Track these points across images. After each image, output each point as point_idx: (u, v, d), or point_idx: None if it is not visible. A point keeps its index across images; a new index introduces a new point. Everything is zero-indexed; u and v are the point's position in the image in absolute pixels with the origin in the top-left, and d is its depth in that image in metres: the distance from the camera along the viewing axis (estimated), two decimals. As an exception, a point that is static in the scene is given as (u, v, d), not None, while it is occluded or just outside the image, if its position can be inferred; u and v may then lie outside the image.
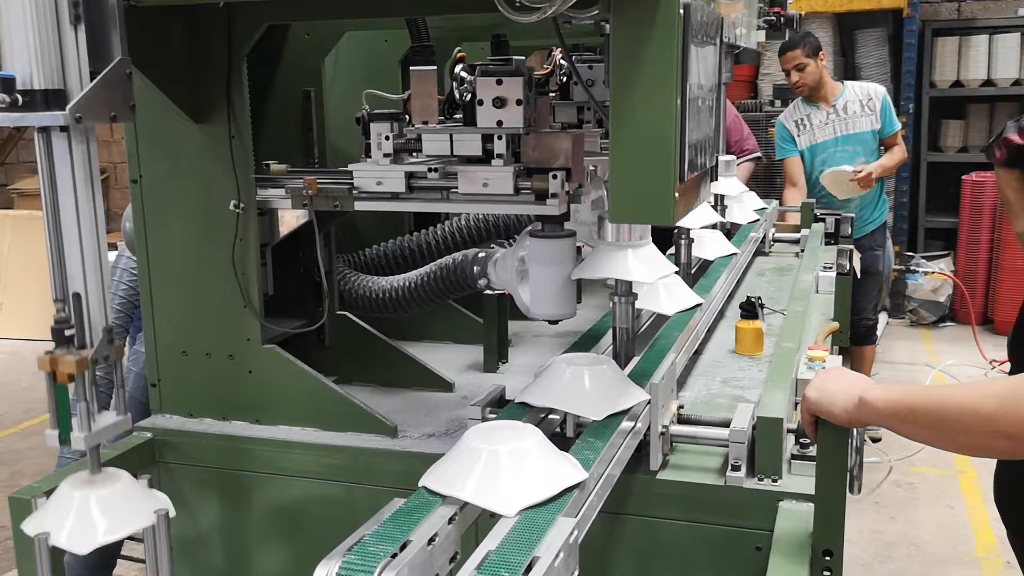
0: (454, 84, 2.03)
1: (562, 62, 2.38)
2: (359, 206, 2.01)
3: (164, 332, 2.23)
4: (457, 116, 2.05)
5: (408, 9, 2.07)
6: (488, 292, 2.62)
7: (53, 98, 1.40)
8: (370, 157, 2.03)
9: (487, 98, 1.86)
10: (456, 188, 1.93)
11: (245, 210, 2.09)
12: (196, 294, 2.19)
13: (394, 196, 1.99)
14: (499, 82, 1.85)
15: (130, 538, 3.22)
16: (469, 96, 1.91)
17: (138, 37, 1.89)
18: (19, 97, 1.37)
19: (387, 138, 2.01)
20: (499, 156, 1.90)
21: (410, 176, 1.97)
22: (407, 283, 2.46)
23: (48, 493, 1.88)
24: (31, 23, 1.38)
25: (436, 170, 1.95)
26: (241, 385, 2.18)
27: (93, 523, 1.49)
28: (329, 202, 2.03)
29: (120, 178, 11.13)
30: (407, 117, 2.09)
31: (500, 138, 1.89)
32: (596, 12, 1.57)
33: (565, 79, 2.35)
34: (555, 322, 2.09)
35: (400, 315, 2.54)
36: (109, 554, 2.98)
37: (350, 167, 2.04)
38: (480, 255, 2.31)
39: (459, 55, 2.04)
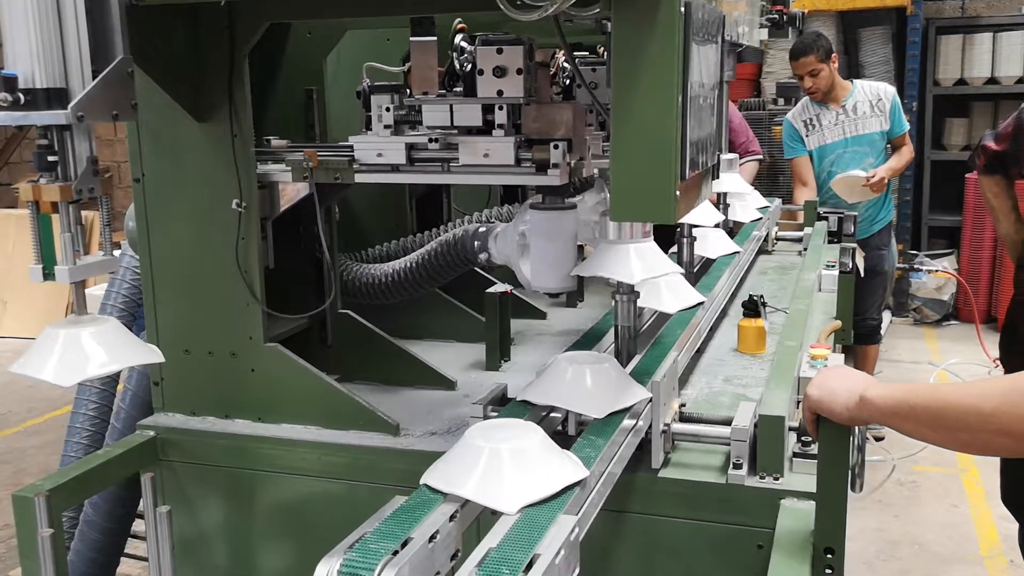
0: (454, 55, 2.02)
1: (564, 64, 2.38)
2: (359, 178, 2.01)
3: (167, 330, 2.23)
4: (457, 89, 2.05)
5: (409, 7, 2.07)
6: (490, 291, 2.62)
7: (55, 97, 1.40)
8: (370, 130, 2.03)
9: (487, 67, 1.86)
10: (457, 159, 1.93)
11: (247, 209, 2.09)
12: (198, 293, 2.19)
13: (394, 168, 1.99)
14: (499, 51, 1.85)
15: (132, 536, 3.23)
16: (469, 66, 1.91)
17: (140, 36, 1.91)
18: (21, 96, 1.37)
19: (387, 110, 2.01)
20: (500, 126, 1.89)
21: (411, 147, 1.97)
22: (408, 264, 2.46)
23: (52, 492, 1.90)
24: (33, 22, 1.38)
25: (436, 140, 1.94)
26: (244, 383, 2.19)
27: (83, 357, 1.47)
28: (329, 174, 2.03)
29: (123, 177, 11.15)
30: (408, 90, 2.09)
31: (500, 108, 1.88)
32: (597, 10, 1.57)
33: (568, 81, 2.34)
34: (556, 295, 2.09)
35: (403, 299, 2.52)
36: (112, 551, 2.98)
37: (350, 139, 2.04)
38: (480, 230, 2.30)
39: (459, 26, 2.04)
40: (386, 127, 2.00)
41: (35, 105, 1.40)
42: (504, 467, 1.40)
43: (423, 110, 1.95)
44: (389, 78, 2.29)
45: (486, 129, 1.90)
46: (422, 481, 1.45)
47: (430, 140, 1.95)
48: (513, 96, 1.86)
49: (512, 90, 1.86)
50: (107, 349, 1.50)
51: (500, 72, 1.85)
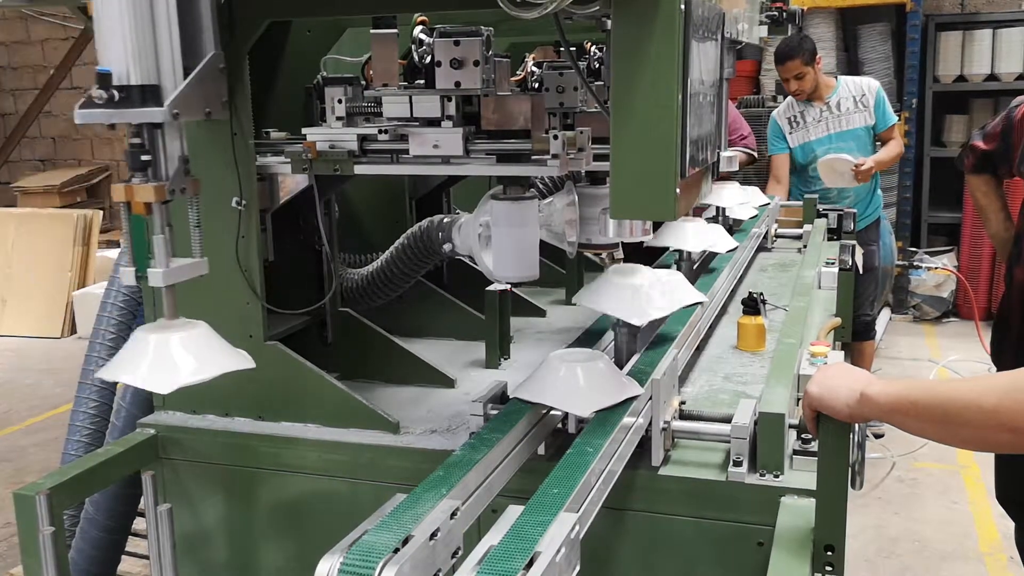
0: (413, 47, 2.02)
1: (533, 68, 2.38)
2: (359, 169, 2.02)
3: (167, 329, 2.23)
4: (420, 81, 2.05)
5: (409, 5, 2.07)
6: (489, 289, 2.62)
7: (149, 94, 1.36)
8: (325, 122, 2.05)
9: (444, 59, 1.87)
10: (407, 151, 1.95)
11: (247, 207, 2.09)
12: (198, 291, 2.18)
13: (394, 159, 2.01)
14: (456, 43, 1.86)
15: (133, 534, 3.23)
16: (428, 58, 1.92)
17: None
18: (115, 93, 1.33)
19: (340, 101, 2.02)
20: (448, 118, 1.90)
21: (363, 139, 1.98)
22: (381, 263, 2.46)
23: (53, 490, 1.91)
24: (127, 17, 1.34)
25: (386, 132, 1.95)
26: (244, 381, 2.17)
27: (175, 363, 1.44)
28: (329, 165, 2.03)
29: (123, 176, 11.14)
30: (364, 82, 2.10)
31: (450, 99, 1.90)
32: (597, 8, 1.57)
33: (537, 85, 2.34)
34: (517, 284, 2.12)
35: (383, 300, 2.52)
36: (113, 549, 2.99)
37: (304, 131, 2.05)
38: (445, 220, 2.31)
39: (419, 19, 2.04)
40: (338, 119, 2.01)
41: (129, 102, 1.35)
42: (579, 382, 1.75)
43: (383, 103, 1.96)
44: (349, 70, 2.30)
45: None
46: (512, 395, 1.81)
47: (380, 131, 1.96)
48: (470, 88, 1.87)
49: (469, 82, 1.87)
50: (197, 355, 1.47)
51: (457, 64, 1.86)
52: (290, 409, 2.17)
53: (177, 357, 1.46)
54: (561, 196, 2.16)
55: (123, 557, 3.10)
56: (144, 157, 1.38)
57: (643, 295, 2.05)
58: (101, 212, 9.35)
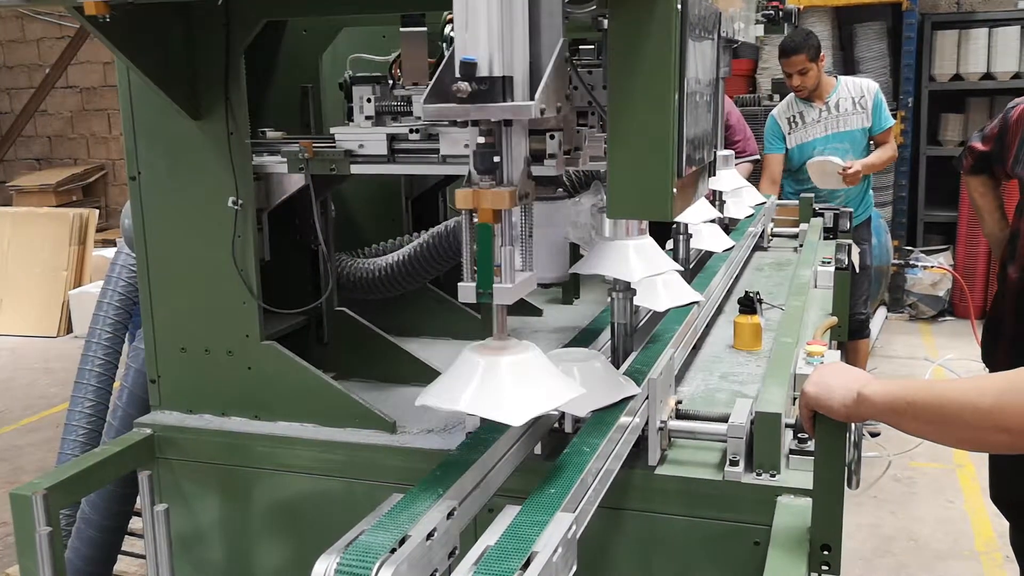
0: (443, 45, 2.00)
1: None
2: (355, 169, 2.01)
3: (163, 328, 2.23)
4: None
5: (405, 4, 2.07)
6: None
7: (508, 87, 1.20)
8: (352, 121, 2.03)
9: None
10: (438, 150, 1.92)
11: (244, 207, 2.09)
12: (195, 290, 2.19)
13: (391, 158, 2.00)
14: None
15: (130, 533, 3.22)
16: None
17: (136, 35, 1.90)
18: (476, 86, 1.19)
19: (368, 100, 2.00)
20: None
21: (392, 138, 1.96)
22: (401, 257, 2.46)
23: (50, 490, 1.90)
24: None
25: (417, 131, 1.93)
26: (240, 381, 2.19)
27: (502, 391, 1.32)
28: (325, 165, 2.02)
29: (119, 175, 11.14)
30: (391, 81, 2.08)
31: None
32: (594, 7, 1.57)
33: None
34: (547, 286, 2.08)
35: (397, 292, 2.52)
36: (110, 549, 2.98)
37: (332, 130, 2.03)
38: None
39: (449, 17, 2.04)
40: (367, 118, 1.99)
41: (489, 96, 1.19)
42: (576, 382, 1.65)
43: (413, 101, 1.95)
44: (376, 69, 2.29)
45: None
46: None
47: (411, 131, 1.94)
48: None
49: None
50: (527, 383, 1.36)
51: None
52: (286, 408, 2.17)
53: (510, 385, 1.34)
54: (589, 195, 2.14)
55: (120, 557, 3.10)
56: (495, 158, 1.24)
57: (636, 255, 1.98)
58: (97, 211, 9.34)
